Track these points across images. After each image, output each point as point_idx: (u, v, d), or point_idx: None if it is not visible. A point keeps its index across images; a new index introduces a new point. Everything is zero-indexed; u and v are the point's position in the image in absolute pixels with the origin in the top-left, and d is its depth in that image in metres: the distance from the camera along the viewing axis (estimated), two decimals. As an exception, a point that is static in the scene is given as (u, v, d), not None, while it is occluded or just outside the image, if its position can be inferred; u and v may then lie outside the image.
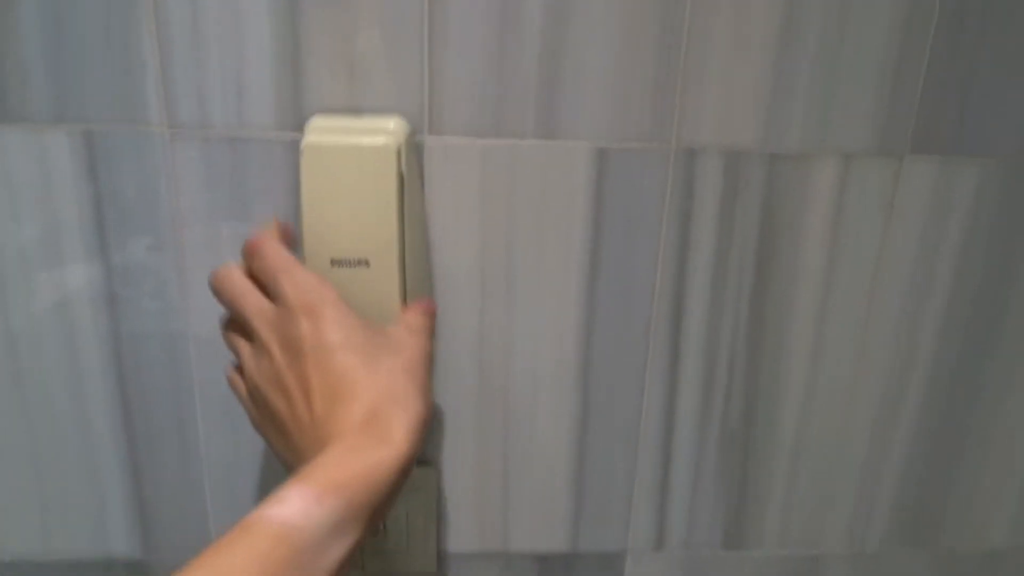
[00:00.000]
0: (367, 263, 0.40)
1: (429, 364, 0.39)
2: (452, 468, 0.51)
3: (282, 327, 0.36)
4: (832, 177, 0.46)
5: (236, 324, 0.40)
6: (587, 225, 0.46)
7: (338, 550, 0.30)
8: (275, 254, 0.38)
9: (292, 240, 0.41)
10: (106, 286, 0.46)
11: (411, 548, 0.52)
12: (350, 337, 0.36)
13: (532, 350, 0.49)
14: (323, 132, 0.40)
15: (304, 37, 0.42)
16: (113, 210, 0.45)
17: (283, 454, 0.37)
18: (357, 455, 0.32)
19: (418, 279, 0.45)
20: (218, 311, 0.41)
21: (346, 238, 0.40)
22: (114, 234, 0.45)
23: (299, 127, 0.43)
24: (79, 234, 0.45)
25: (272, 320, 0.37)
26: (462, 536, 0.53)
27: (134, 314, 0.47)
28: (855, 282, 0.48)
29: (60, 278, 0.46)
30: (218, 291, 0.39)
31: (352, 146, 0.39)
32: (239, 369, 0.40)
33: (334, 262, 0.40)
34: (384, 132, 0.40)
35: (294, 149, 0.43)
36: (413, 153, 0.43)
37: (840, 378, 0.51)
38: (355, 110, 0.43)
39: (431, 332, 0.41)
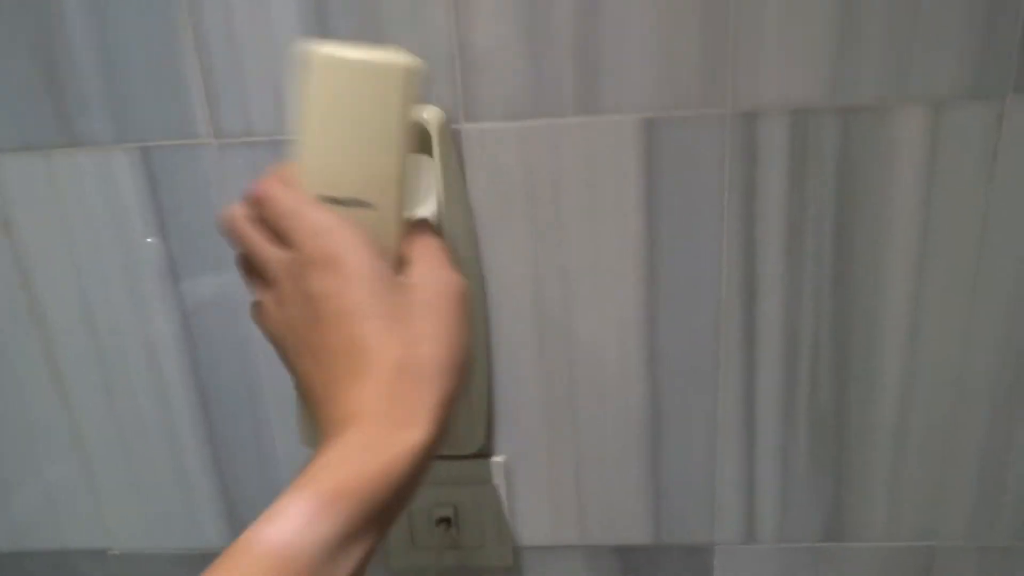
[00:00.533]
0: (368, 205, 0.34)
1: (462, 303, 0.33)
2: (522, 461, 0.50)
3: (301, 280, 0.32)
4: (919, 128, 0.40)
5: (253, 264, 0.36)
6: (641, 203, 0.43)
7: (350, 562, 0.27)
8: (283, 195, 0.33)
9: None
10: (176, 293, 0.48)
11: (485, 543, 0.51)
12: (372, 296, 0.31)
13: (594, 340, 0.46)
14: (331, 47, 0.34)
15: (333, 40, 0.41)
16: (174, 219, 0.46)
17: (307, 403, 0.34)
18: (372, 451, 0.29)
19: (466, 271, 0.44)
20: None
21: (346, 174, 0.34)
22: (177, 242, 0.47)
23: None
24: (147, 245, 0.47)
25: (290, 270, 0.33)
26: (537, 529, 0.51)
27: (203, 318, 0.48)
28: (957, 246, 0.42)
29: (135, 288, 0.48)
30: (230, 235, 0.36)
31: (361, 62, 0.33)
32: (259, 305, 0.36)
33: (330, 200, 0.34)
34: (403, 56, 0.33)
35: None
36: (450, 138, 0.41)
37: (946, 356, 0.45)
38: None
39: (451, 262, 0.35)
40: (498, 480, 0.50)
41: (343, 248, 0.32)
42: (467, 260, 0.44)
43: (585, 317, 0.46)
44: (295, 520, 0.26)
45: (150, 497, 0.54)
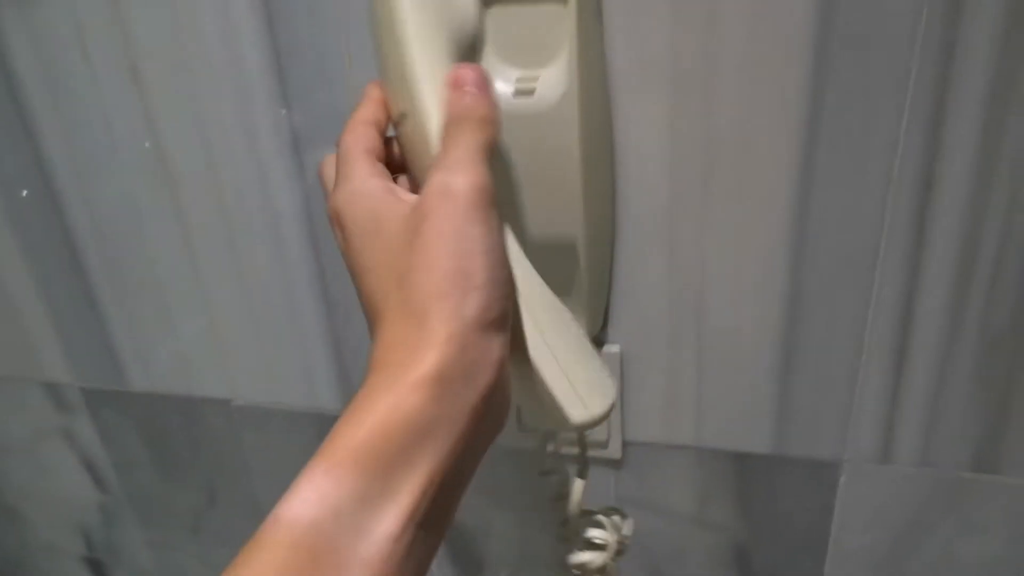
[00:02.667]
0: (407, 115, 0.31)
1: (467, 207, 0.27)
2: (639, 352, 0.47)
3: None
4: None
5: None
6: (806, 69, 0.37)
7: (383, 525, 0.23)
8: (346, 131, 0.31)
9: None
10: (292, 140, 0.47)
11: (594, 434, 0.49)
12: (370, 254, 0.28)
13: (735, 224, 0.41)
14: None
15: None
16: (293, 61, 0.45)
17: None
18: (373, 398, 0.25)
19: (597, 142, 0.39)
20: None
21: (391, 89, 0.32)
22: (295, 87, 0.45)
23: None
24: (264, 84, 0.46)
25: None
26: (648, 424, 0.49)
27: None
28: None
29: (252, 129, 0.47)
30: None
31: None
32: None
33: (396, 121, 0.32)
34: None
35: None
36: None
37: None
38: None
39: (481, 146, 0.29)
40: (612, 370, 0.47)
41: (344, 205, 0.29)
42: (598, 129, 0.39)
43: (726, 197, 0.41)
44: (308, 494, 0.23)
45: (272, 360, 0.55)
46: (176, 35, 0.45)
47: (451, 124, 0.29)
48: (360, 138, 0.31)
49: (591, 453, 0.50)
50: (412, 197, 0.29)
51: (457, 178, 0.27)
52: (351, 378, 0.54)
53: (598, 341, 0.46)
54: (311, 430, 0.57)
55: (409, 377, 0.25)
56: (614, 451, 0.50)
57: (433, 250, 0.26)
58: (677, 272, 0.43)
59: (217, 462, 0.62)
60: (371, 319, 0.28)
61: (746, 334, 0.44)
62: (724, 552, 0.52)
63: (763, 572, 0.52)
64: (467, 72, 0.30)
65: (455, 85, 0.30)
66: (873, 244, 0.40)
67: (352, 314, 0.51)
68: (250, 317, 0.54)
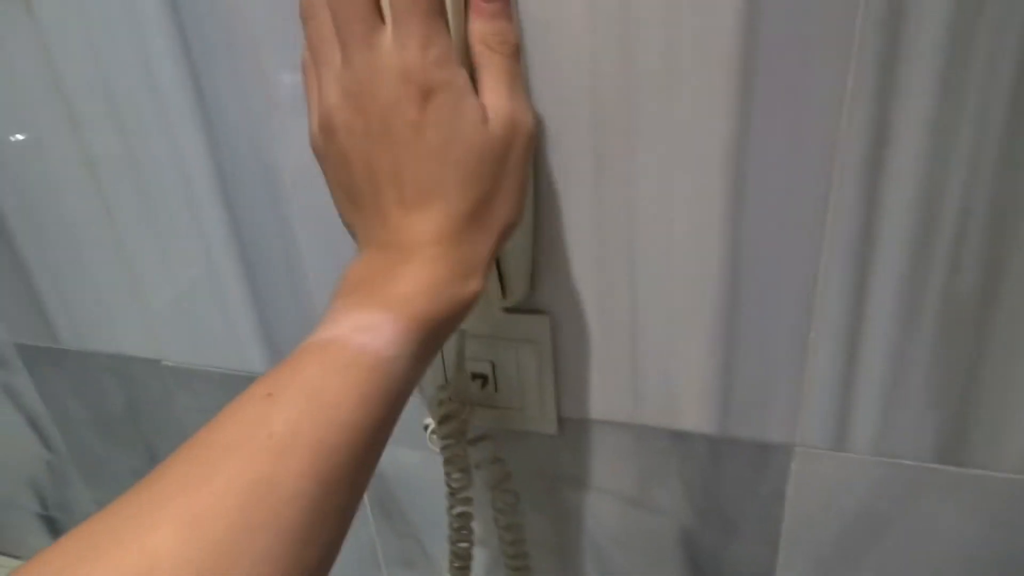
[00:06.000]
0: None
1: (531, 149, 0.33)
2: (569, 322, 0.43)
3: (385, 93, 0.29)
4: None
5: (324, 47, 0.31)
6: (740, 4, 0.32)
7: (414, 382, 0.29)
8: None
9: None
10: (201, 112, 0.43)
11: (526, 406, 0.46)
12: (454, 140, 0.30)
13: (664, 182, 0.37)
14: None
15: None
16: (197, 37, 0.40)
17: (348, 221, 0.34)
18: (443, 292, 0.30)
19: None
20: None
21: None
22: (201, 60, 0.41)
23: None
24: (170, 62, 0.42)
25: (404, 76, 0.29)
26: (584, 401, 0.45)
27: (231, 139, 0.44)
28: None
29: (161, 107, 0.44)
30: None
31: None
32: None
33: None
34: None
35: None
36: None
37: None
38: None
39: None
40: (540, 338, 0.43)
41: (444, 85, 0.29)
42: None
43: (653, 150, 0.36)
44: (388, 336, 0.28)
45: (195, 318, 0.52)
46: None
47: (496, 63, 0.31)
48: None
49: (524, 427, 0.47)
50: (489, 111, 0.31)
51: (529, 117, 0.32)
52: (276, 340, 0.51)
53: (525, 308, 0.42)
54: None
55: (464, 293, 0.30)
56: (549, 426, 0.46)
57: (512, 193, 0.32)
58: (605, 233, 0.39)
59: (153, 422, 0.60)
60: (417, 192, 0.30)
61: (683, 303, 0.40)
62: (669, 536, 0.49)
63: (711, 558, 0.48)
64: None
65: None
66: (819, 205, 0.35)
67: (273, 275, 0.48)
68: (170, 278, 0.51)
